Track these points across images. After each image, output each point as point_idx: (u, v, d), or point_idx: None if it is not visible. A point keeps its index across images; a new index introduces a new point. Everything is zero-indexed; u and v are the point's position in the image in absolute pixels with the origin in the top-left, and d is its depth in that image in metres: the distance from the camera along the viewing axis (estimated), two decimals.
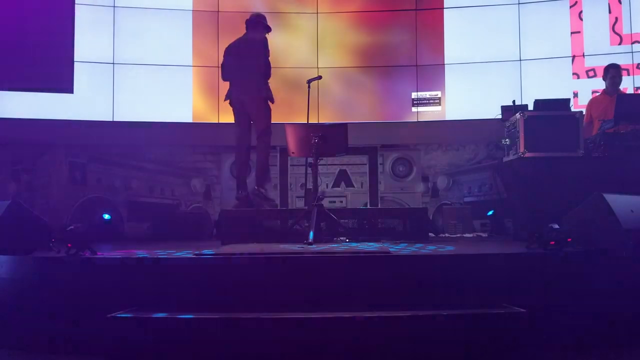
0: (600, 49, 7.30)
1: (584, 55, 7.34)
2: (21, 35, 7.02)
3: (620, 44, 7.27)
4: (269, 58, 5.57)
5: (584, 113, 5.11)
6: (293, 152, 5.23)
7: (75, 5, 7.30)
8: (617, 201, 3.63)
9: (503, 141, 5.36)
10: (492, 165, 7.09)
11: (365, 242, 4.64)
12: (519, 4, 7.53)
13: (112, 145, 7.39)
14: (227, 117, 7.51)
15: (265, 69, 5.54)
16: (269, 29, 5.75)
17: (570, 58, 7.38)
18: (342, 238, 4.91)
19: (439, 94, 7.62)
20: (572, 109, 5.29)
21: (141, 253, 3.97)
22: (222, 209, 6.83)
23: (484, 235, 6.50)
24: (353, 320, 2.92)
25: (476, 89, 7.49)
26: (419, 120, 7.63)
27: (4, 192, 7.01)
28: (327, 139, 4.91)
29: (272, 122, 5.62)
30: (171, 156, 7.56)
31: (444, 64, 7.61)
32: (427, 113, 7.63)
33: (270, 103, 5.56)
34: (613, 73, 5.96)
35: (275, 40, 7.54)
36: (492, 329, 2.92)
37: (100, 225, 6.56)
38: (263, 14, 5.82)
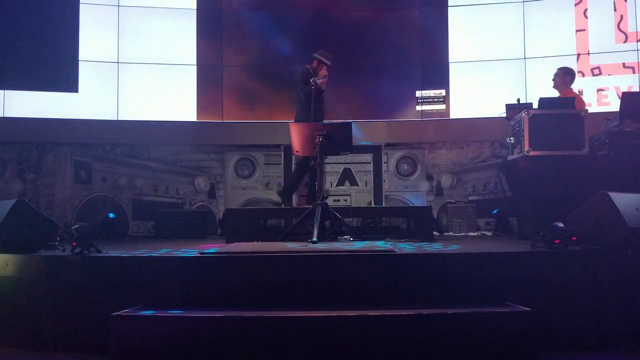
0: (606, 47, 7.26)
1: (589, 54, 7.31)
2: (26, 35, 7.04)
3: (625, 41, 7.23)
4: (307, 87, 5.73)
5: (588, 111, 5.09)
6: (297, 151, 5.23)
7: (80, 5, 7.31)
8: (622, 200, 3.62)
9: (508, 140, 5.35)
10: (496, 164, 7.07)
11: (369, 241, 4.64)
12: (523, 2, 7.50)
13: (117, 144, 7.41)
14: (231, 116, 7.57)
15: (297, 98, 5.85)
16: (321, 62, 5.95)
17: (575, 56, 7.35)
18: (346, 237, 4.92)
19: (443, 92, 7.60)
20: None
21: (146, 251, 3.98)
22: (226, 207, 6.86)
23: (489, 233, 6.50)
24: (357, 318, 2.92)
25: (481, 88, 7.47)
26: (423, 118, 7.61)
27: (10, 191, 7.04)
28: (332, 138, 4.91)
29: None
30: (175, 155, 7.57)
31: (448, 63, 7.59)
32: (432, 111, 7.62)
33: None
34: (553, 75, 6.05)
35: (279, 39, 7.58)
36: (496, 327, 2.91)
37: (105, 223, 6.57)
38: (325, 52, 6.02)
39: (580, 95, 6.03)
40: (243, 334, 2.90)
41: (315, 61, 5.95)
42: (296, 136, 5.13)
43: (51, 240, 3.92)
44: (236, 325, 2.93)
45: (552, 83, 6.01)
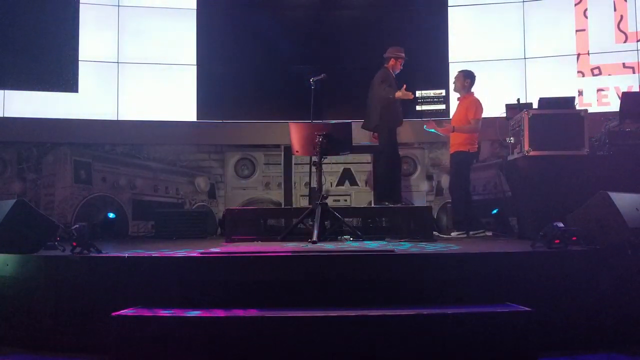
0: (606, 47, 7.26)
1: (589, 53, 7.31)
2: (26, 35, 7.04)
3: (625, 41, 7.23)
4: (389, 88, 6.11)
5: (588, 111, 5.10)
6: (297, 151, 5.23)
7: (80, 5, 7.31)
8: (622, 199, 3.62)
9: (508, 140, 5.35)
10: (496, 164, 7.07)
11: (369, 241, 4.64)
12: (523, 2, 7.50)
13: (117, 144, 7.41)
14: (231, 116, 7.56)
15: (380, 101, 6.13)
16: (398, 58, 6.27)
17: (575, 56, 7.36)
18: (346, 237, 4.92)
19: (443, 92, 7.59)
20: (577, 107, 5.27)
21: (146, 251, 3.98)
22: (226, 207, 6.85)
23: (489, 234, 6.49)
24: (357, 318, 2.92)
25: (480, 87, 7.45)
26: (423, 118, 7.60)
27: (10, 191, 7.04)
28: (332, 138, 4.92)
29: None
30: (175, 155, 7.57)
31: (448, 63, 7.59)
32: (432, 111, 7.61)
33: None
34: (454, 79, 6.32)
35: (279, 38, 7.58)
36: (496, 327, 2.91)
37: (105, 224, 6.57)
38: (396, 47, 6.35)
39: (479, 102, 6.09)
40: (243, 334, 2.90)
41: (392, 59, 6.25)
42: (296, 136, 5.13)
43: (51, 240, 3.92)
44: (236, 326, 2.93)
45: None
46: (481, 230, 5.94)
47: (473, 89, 6.22)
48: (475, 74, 6.25)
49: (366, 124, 6.41)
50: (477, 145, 6.05)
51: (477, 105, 6.05)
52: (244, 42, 7.63)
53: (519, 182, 5.30)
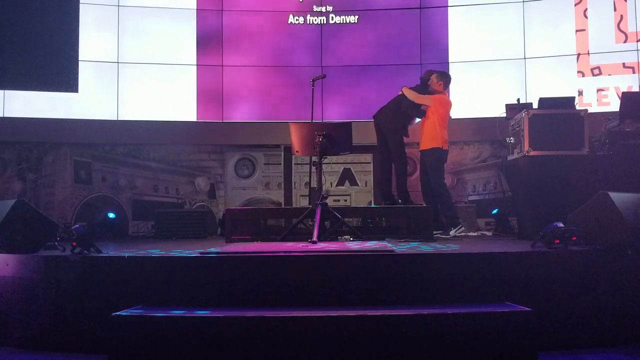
0: (606, 47, 7.26)
1: (589, 54, 7.31)
2: (26, 35, 7.04)
3: (625, 41, 7.22)
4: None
5: (588, 111, 5.10)
6: (297, 151, 5.23)
7: (80, 5, 7.31)
8: (622, 199, 3.62)
9: (508, 139, 5.35)
10: (496, 164, 7.07)
11: (369, 241, 4.64)
12: (523, 2, 7.50)
13: (117, 144, 7.41)
14: (231, 116, 7.57)
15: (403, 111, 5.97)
16: (437, 84, 5.94)
17: (575, 56, 7.35)
18: (346, 237, 4.92)
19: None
20: (577, 107, 5.28)
21: (146, 251, 3.98)
22: (226, 207, 6.86)
23: (489, 234, 6.49)
24: (357, 318, 2.92)
25: (481, 88, 7.46)
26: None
27: (10, 191, 7.04)
28: (332, 138, 4.91)
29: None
30: (175, 155, 7.57)
31: (448, 63, 7.58)
32: None
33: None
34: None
35: (279, 38, 7.59)
36: (496, 327, 2.91)
37: (105, 224, 6.57)
38: (435, 72, 6.07)
39: (445, 99, 5.93)
40: (243, 334, 2.90)
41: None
42: (296, 136, 5.13)
43: (51, 240, 3.92)
44: (236, 325, 2.93)
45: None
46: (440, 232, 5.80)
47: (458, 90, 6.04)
48: (451, 76, 6.07)
49: (380, 117, 6.15)
50: (447, 145, 5.87)
51: (443, 100, 5.84)
52: (244, 41, 7.63)
53: (519, 182, 5.30)
